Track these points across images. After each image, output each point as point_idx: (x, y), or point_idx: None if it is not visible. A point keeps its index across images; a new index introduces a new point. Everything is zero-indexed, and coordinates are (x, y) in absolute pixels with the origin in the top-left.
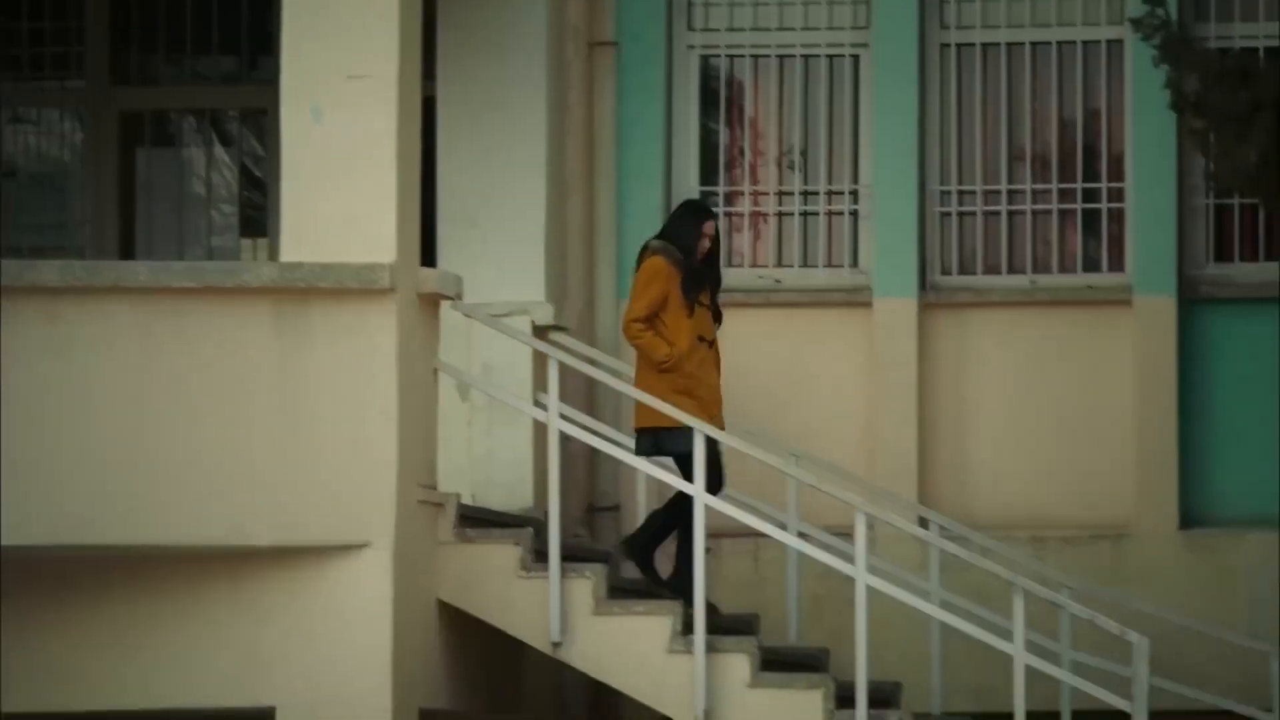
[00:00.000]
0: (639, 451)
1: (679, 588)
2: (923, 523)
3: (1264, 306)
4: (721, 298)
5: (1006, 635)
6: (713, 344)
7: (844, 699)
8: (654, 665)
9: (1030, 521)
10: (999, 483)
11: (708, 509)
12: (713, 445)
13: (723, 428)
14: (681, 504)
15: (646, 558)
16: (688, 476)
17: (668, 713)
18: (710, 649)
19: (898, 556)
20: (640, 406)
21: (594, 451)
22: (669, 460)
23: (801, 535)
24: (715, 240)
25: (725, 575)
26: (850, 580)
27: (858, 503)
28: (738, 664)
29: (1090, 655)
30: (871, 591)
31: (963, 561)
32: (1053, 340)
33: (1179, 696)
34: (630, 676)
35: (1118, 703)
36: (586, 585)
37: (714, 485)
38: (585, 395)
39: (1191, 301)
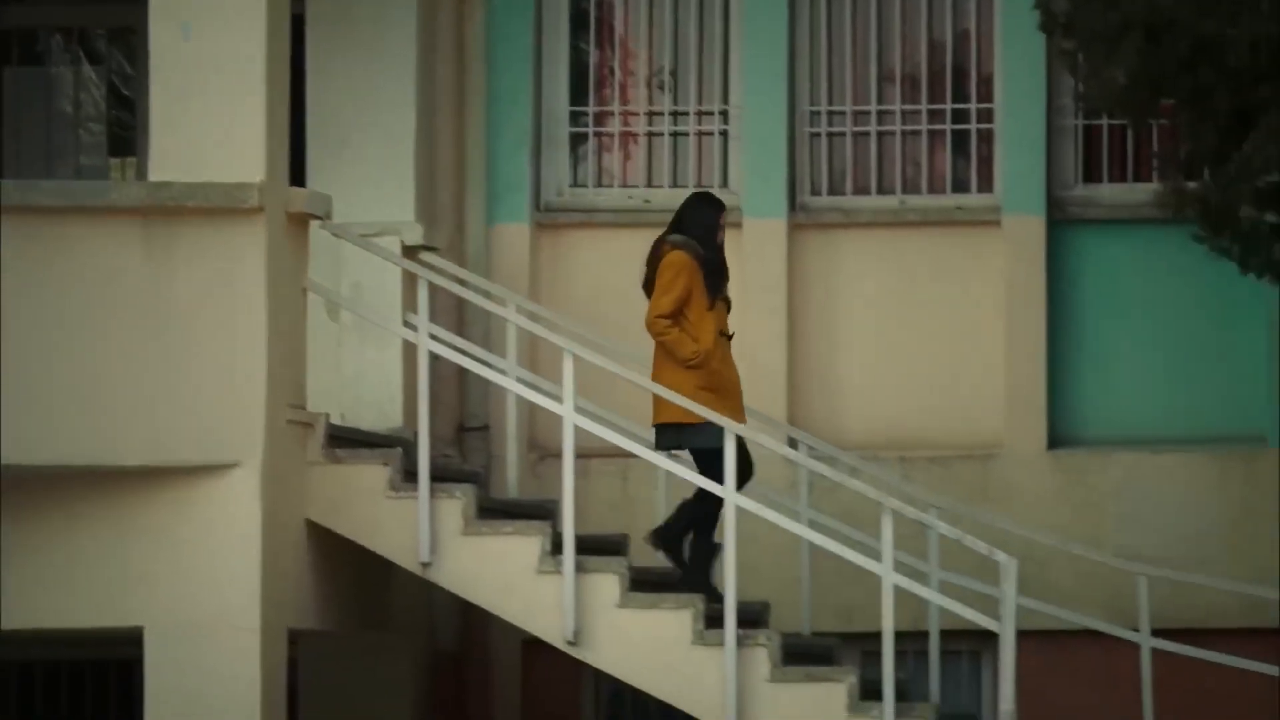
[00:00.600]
0: (660, 446)
1: (691, 580)
2: (792, 443)
3: (1132, 227)
4: (591, 216)
5: (875, 555)
6: (730, 337)
7: (713, 619)
8: (523, 585)
9: (899, 442)
10: (868, 403)
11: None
12: (740, 441)
13: (744, 420)
14: (706, 495)
15: (676, 547)
16: (705, 470)
17: (537, 633)
18: (580, 569)
19: (767, 477)
20: (661, 401)
21: (463, 372)
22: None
23: (670, 456)
24: (723, 231)
25: (594, 495)
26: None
27: (725, 423)
28: (607, 584)
29: (958, 575)
30: (740, 511)
31: (831, 482)
32: (922, 261)
33: (1047, 616)
34: (499, 597)
35: (985, 622)
36: (456, 505)
37: (742, 479)
38: (455, 316)
39: (1060, 222)
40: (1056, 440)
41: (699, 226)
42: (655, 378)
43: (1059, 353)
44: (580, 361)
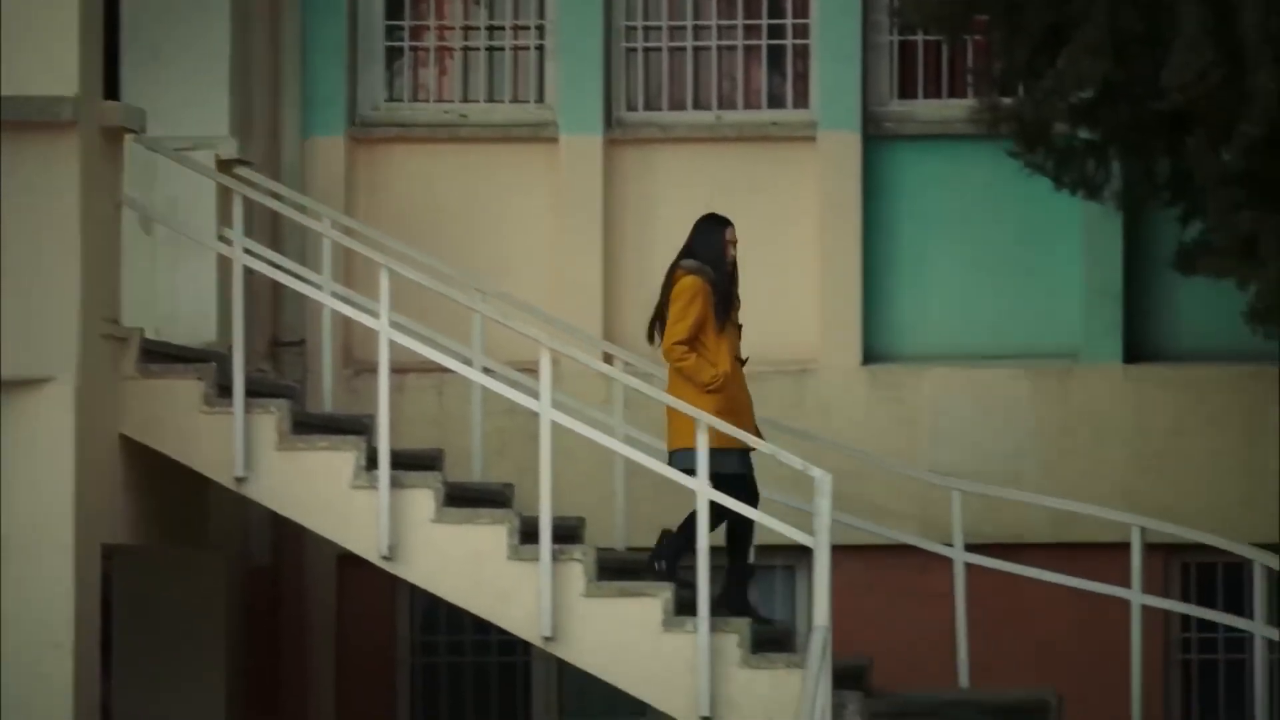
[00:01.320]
0: (678, 467)
1: (735, 604)
2: (608, 358)
3: (947, 143)
4: (407, 131)
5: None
6: (744, 362)
7: (528, 534)
8: (338, 501)
9: None
10: None
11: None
12: (747, 466)
13: (761, 438)
14: (723, 515)
15: (673, 566)
16: (722, 492)
17: (352, 548)
18: (395, 485)
19: (582, 392)
20: (676, 425)
21: (278, 287)
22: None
23: (487, 371)
24: (735, 246)
25: (410, 411)
26: (535, 416)
27: (542, 338)
28: (422, 500)
29: (773, 490)
30: (556, 427)
31: (647, 397)
32: (738, 177)
33: (861, 531)
34: (314, 512)
35: (800, 537)
36: (270, 420)
37: (751, 503)
38: (270, 230)
39: (875, 138)
40: (871, 355)
41: (708, 249)
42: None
43: (874, 268)
44: (396, 276)
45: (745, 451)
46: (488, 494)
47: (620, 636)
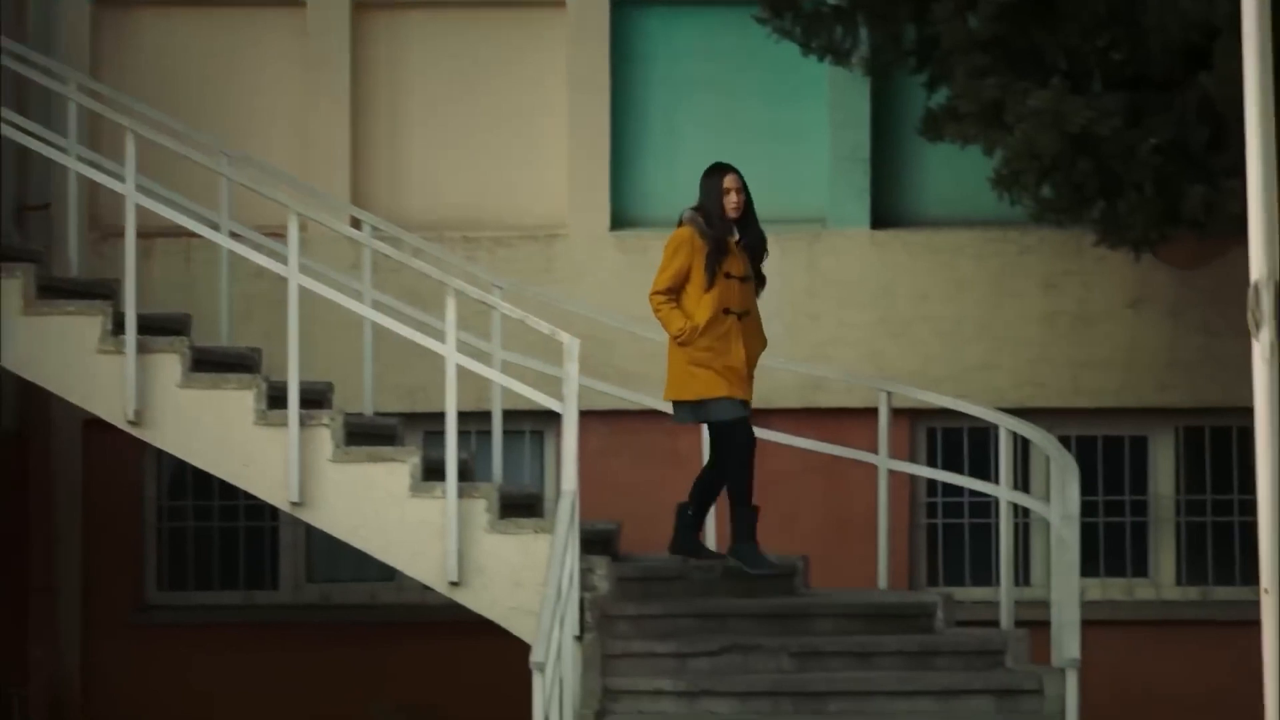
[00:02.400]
0: (675, 419)
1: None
2: (355, 223)
3: (696, 9)
4: None
5: (438, 336)
6: (743, 315)
7: (276, 399)
8: (84, 365)
9: (462, 222)
10: (432, 184)
11: None
12: (739, 412)
13: (748, 399)
14: (712, 469)
15: (693, 541)
16: (713, 441)
17: (98, 412)
18: (142, 349)
19: (331, 257)
20: (669, 377)
21: (24, 151)
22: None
23: (234, 235)
24: (744, 193)
25: (157, 276)
26: (283, 281)
27: (290, 203)
28: (169, 364)
29: (521, 355)
30: (303, 292)
31: (395, 262)
32: (488, 43)
33: (609, 396)
34: (61, 376)
35: (548, 402)
36: (16, 285)
37: (746, 452)
38: (15, 94)
39: (624, 4)
40: (619, 221)
41: (707, 197)
42: (669, 354)
43: (622, 135)
44: (142, 140)
45: (741, 400)
46: (235, 358)
47: (368, 501)
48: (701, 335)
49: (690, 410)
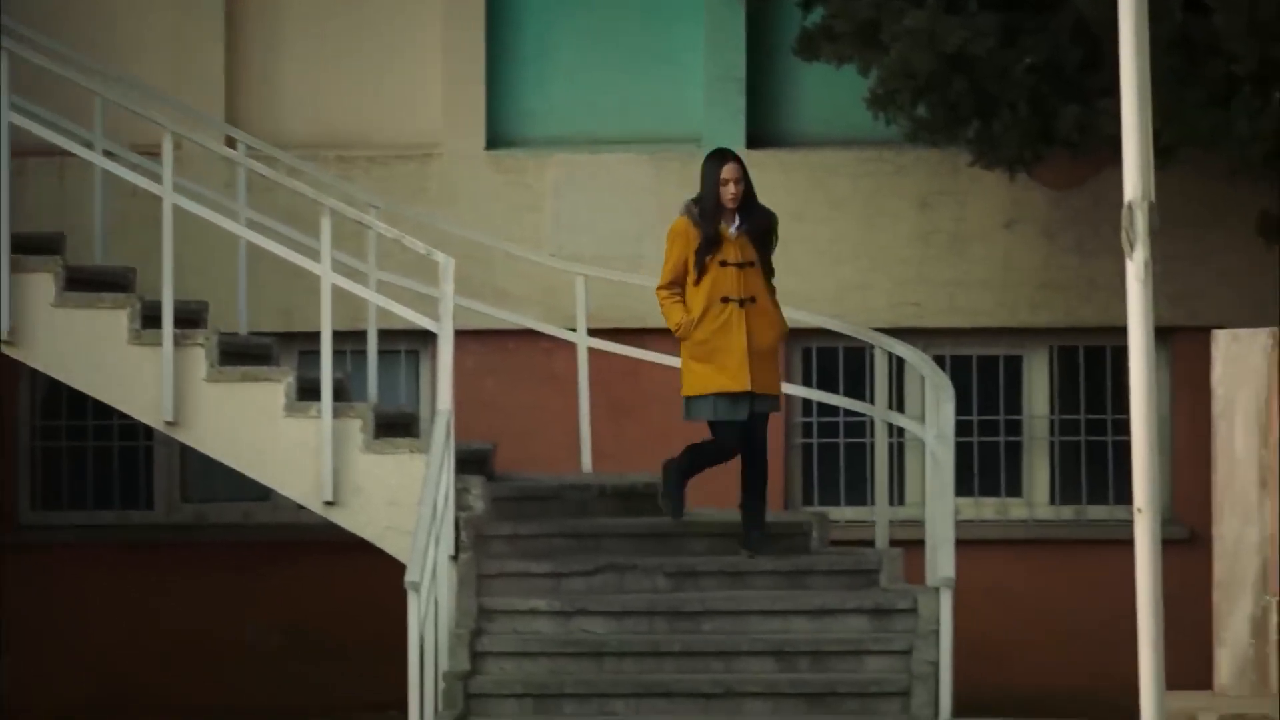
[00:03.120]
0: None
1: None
2: (230, 142)
3: None
4: None
5: (314, 255)
6: (745, 302)
7: (151, 318)
8: None
9: (337, 141)
10: (308, 103)
11: None
12: (733, 411)
13: (756, 390)
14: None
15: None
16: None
17: None
18: (15, 268)
19: (205, 176)
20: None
21: None
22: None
23: (108, 154)
24: (744, 182)
25: (31, 195)
26: (157, 200)
27: (164, 122)
28: (43, 283)
29: (397, 275)
30: (178, 211)
31: (270, 181)
32: None
33: (486, 316)
34: None
35: (424, 322)
36: None
37: (754, 452)
38: None
39: None
40: (496, 141)
41: (704, 186)
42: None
43: (498, 54)
44: (16, 58)
45: (734, 396)
46: (110, 277)
47: (243, 421)
48: (698, 328)
49: (690, 406)
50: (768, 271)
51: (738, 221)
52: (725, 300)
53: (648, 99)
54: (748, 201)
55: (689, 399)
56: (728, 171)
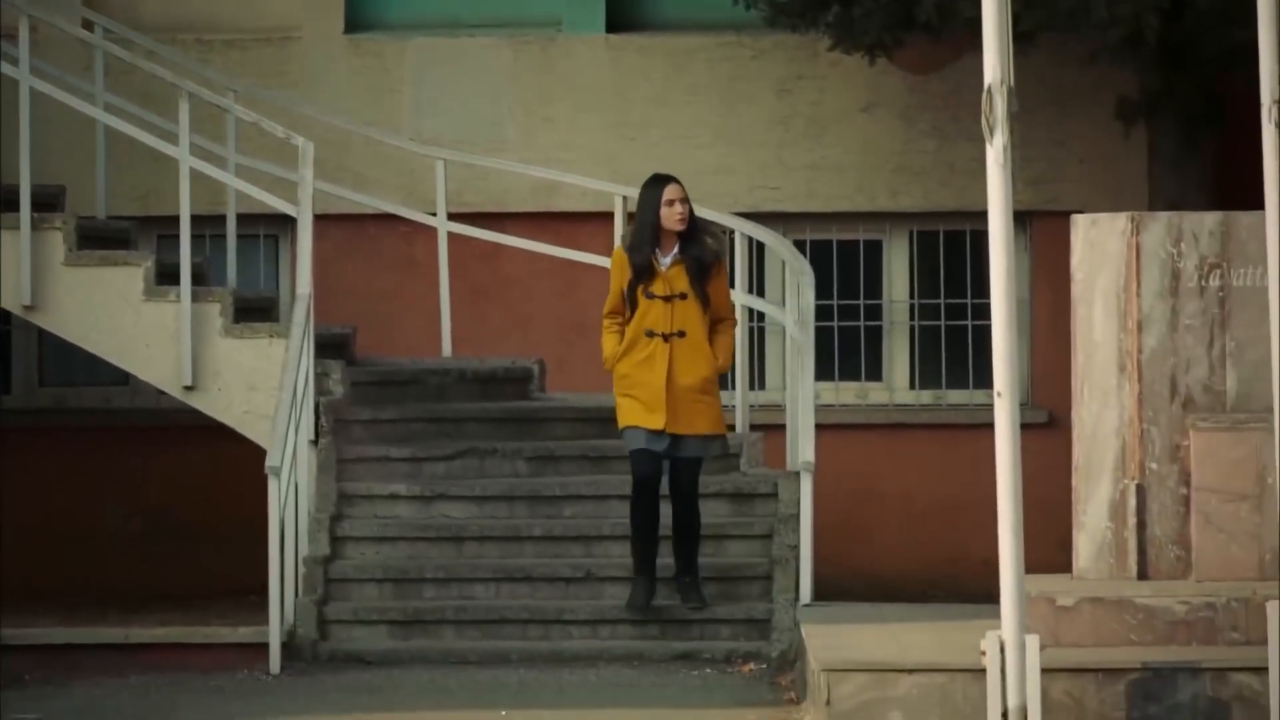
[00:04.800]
0: None
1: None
2: (88, 25)
3: None
4: None
5: (172, 139)
6: (672, 336)
7: (8, 202)
8: None
9: (196, 24)
10: None
11: None
12: (647, 442)
13: (676, 430)
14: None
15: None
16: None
17: None
18: None
19: (63, 60)
20: None
21: None
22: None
23: None
24: (686, 204)
25: None
26: (14, 82)
27: (20, 5)
28: None
29: (256, 159)
30: (35, 94)
31: (128, 64)
32: None
33: (345, 200)
34: None
35: (283, 206)
36: None
37: (675, 489)
38: None
39: None
40: (354, 24)
41: (641, 212)
42: None
43: None
44: None
45: (654, 431)
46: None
47: (102, 305)
48: (620, 361)
49: (623, 437)
50: (705, 304)
51: (676, 251)
52: (650, 335)
53: None
54: (691, 228)
55: (621, 430)
56: (671, 192)
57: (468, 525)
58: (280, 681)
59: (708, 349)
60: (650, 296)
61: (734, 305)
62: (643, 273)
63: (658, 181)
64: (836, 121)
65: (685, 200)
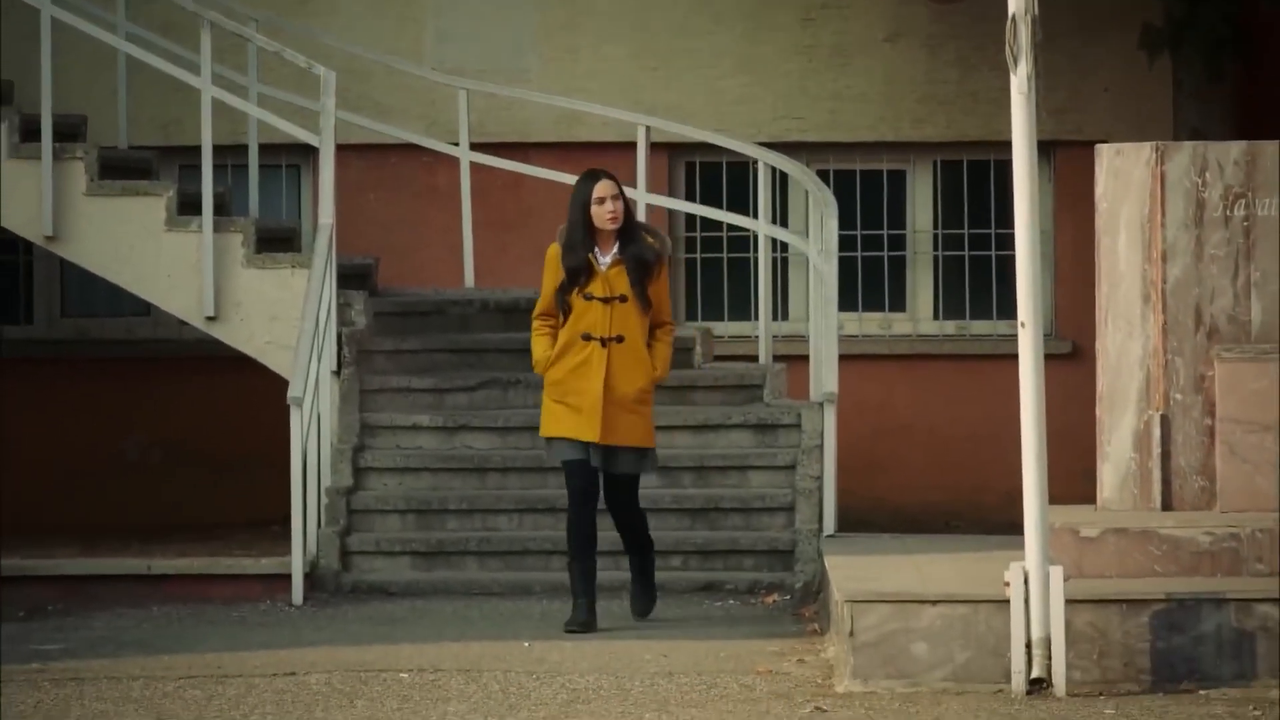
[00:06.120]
0: None
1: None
2: None
3: None
4: None
5: (193, 69)
6: (610, 341)
7: (30, 131)
8: None
9: None
10: None
11: None
12: (574, 453)
13: (609, 440)
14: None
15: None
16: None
17: None
18: None
19: None
20: None
21: None
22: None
23: None
24: (621, 198)
25: None
26: (35, 12)
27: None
28: None
29: (278, 89)
30: (56, 23)
31: None
32: None
33: (367, 130)
34: None
35: (305, 136)
36: None
37: (611, 499)
38: None
39: None
40: None
41: (571, 208)
42: None
43: None
44: None
45: (580, 443)
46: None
47: (124, 236)
48: (554, 365)
49: (548, 448)
50: (645, 308)
51: (615, 249)
52: (587, 338)
53: None
54: (628, 226)
55: (547, 440)
56: (601, 189)
57: (490, 456)
58: (303, 612)
59: (646, 356)
60: (588, 298)
61: (673, 308)
62: (578, 274)
63: (588, 178)
64: (860, 51)
65: (618, 197)
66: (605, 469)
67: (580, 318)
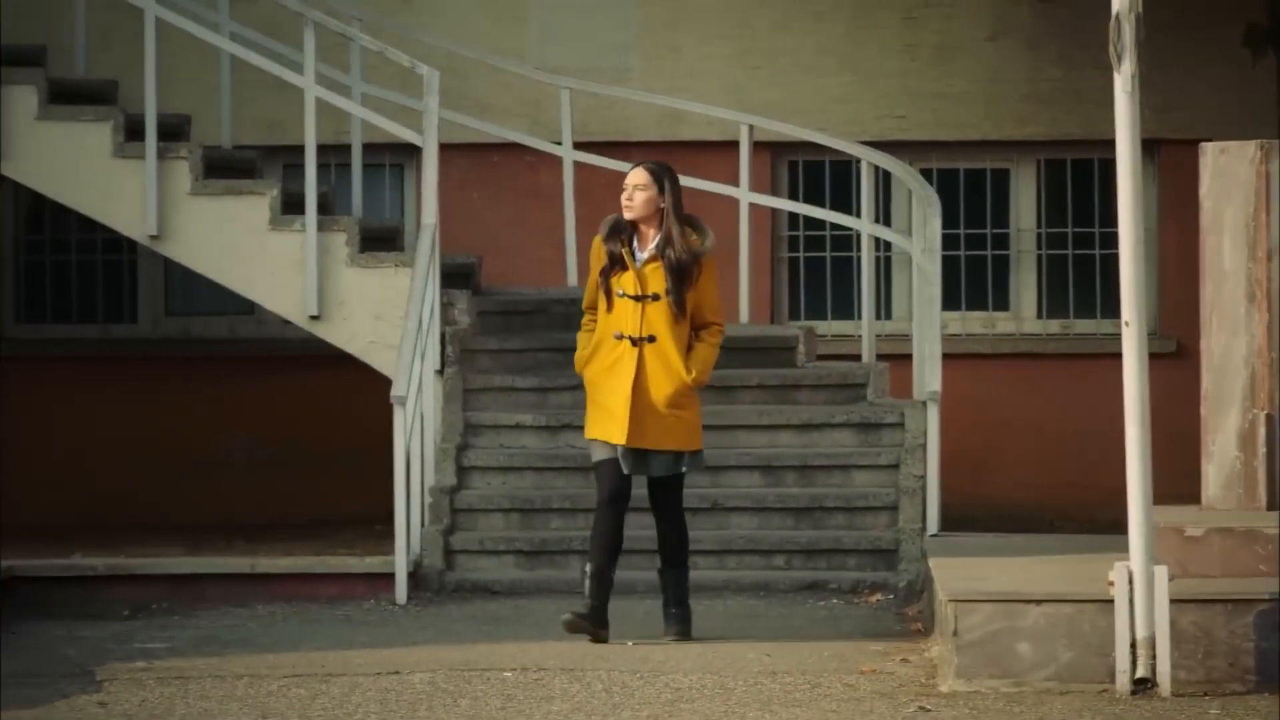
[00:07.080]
0: None
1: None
2: None
3: None
4: None
5: (297, 68)
6: (641, 341)
7: (134, 131)
8: None
9: None
10: None
11: None
12: (607, 454)
13: (636, 446)
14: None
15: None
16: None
17: None
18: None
19: None
20: None
21: None
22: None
23: None
24: (658, 194)
25: (10, 6)
26: (139, 11)
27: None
28: (24, 96)
29: (381, 88)
30: (160, 23)
31: None
32: None
33: (470, 129)
34: None
35: (408, 135)
36: None
37: (657, 502)
38: None
39: None
40: None
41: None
42: None
43: None
44: None
45: (614, 446)
46: (92, 90)
47: (228, 235)
48: (589, 364)
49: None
50: (681, 310)
51: (654, 246)
52: (619, 337)
53: None
54: (665, 225)
55: (589, 441)
56: (627, 178)
57: None
58: (407, 611)
59: (678, 361)
60: (620, 295)
61: (723, 309)
62: (613, 264)
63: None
64: (963, 49)
65: (644, 187)
66: (636, 472)
67: (613, 315)
